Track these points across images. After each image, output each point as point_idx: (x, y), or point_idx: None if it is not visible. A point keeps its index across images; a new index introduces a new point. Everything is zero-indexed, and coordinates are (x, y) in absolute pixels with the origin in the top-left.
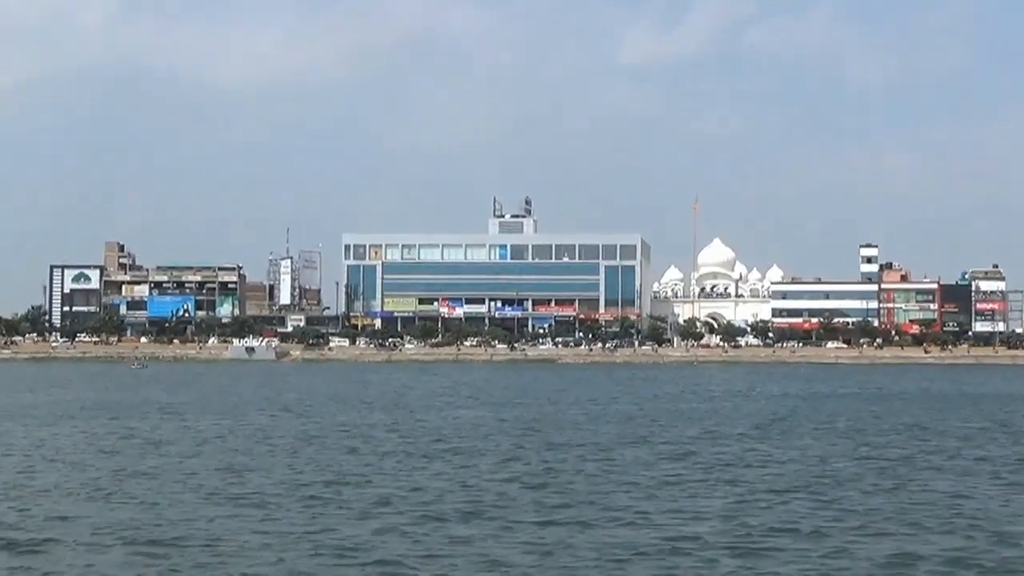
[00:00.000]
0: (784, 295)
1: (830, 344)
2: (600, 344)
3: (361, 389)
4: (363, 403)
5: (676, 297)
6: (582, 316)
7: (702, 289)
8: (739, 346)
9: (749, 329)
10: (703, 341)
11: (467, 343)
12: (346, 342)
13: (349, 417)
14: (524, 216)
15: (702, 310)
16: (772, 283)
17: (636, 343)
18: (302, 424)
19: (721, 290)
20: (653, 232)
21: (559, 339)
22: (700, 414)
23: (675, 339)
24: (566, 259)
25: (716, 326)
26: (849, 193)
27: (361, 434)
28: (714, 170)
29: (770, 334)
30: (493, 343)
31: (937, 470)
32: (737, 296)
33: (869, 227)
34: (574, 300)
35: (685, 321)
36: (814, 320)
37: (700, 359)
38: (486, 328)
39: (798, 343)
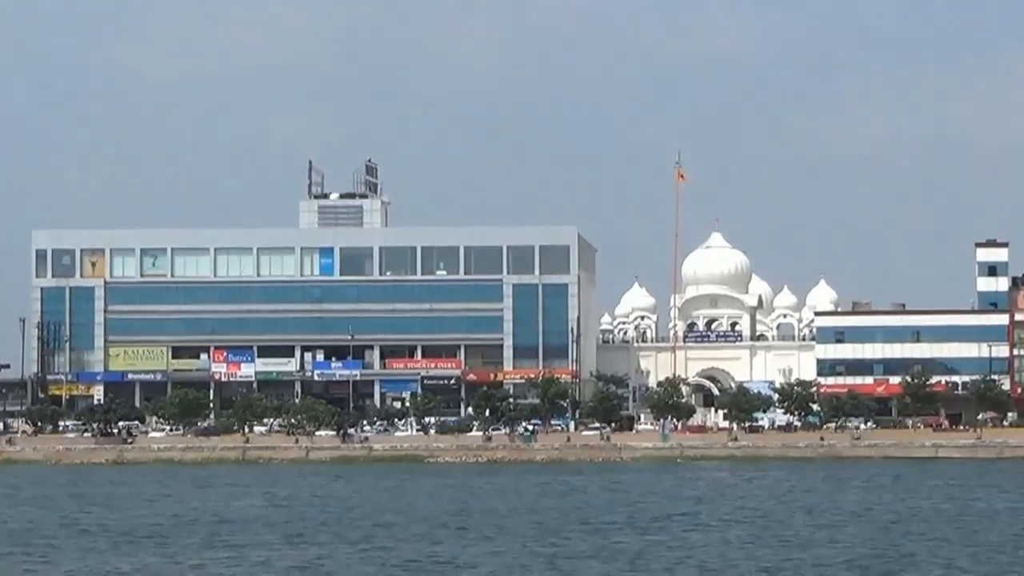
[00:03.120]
0: (839, 336)
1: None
2: (507, 428)
3: (101, 511)
4: (100, 536)
5: (644, 341)
6: (473, 377)
7: (691, 326)
8: (758, 428)
9: (776, 398)
10: (693, 421)
11: (262, 428)
12: (41, 428)
13: (90, 562)
14: (365, 196)
15: (692, 364)
16: (817, 314)
17: (572, 425)
18: None
19: (726, 327)
20: (600, 225)
21: (431, 420)
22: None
23: (642, 416)
24: (442, 273)
25: (717, 392)
26: (952, 154)
27: None
28: (713, 118)
29: (815, 406)
30: (311, 428)
31: None
32: (755, 338)
33: (990, 215)
34: (457, 348)
35: (661, 384)
36: (894, 381)
37: (688, 452)
38: (297, 400)
39: (866, 422)
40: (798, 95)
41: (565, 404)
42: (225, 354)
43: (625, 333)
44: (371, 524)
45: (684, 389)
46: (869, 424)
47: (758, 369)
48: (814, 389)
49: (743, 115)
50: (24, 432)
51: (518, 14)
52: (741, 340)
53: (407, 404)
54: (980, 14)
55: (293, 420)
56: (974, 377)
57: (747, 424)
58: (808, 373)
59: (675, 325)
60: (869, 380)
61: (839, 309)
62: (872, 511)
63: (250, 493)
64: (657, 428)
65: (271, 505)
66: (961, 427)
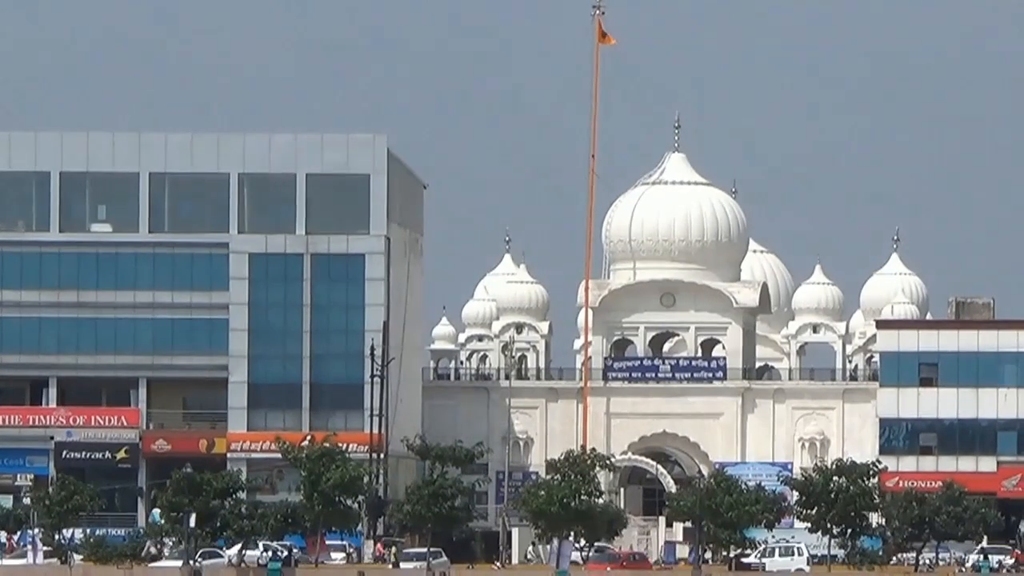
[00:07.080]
0: (926, 371)
1: None
2: (233, 553)
3: None
4: None
5: (523, 376)
6: (165, 446)
7: (620, 346)
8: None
9: (794, 499)
10: (621, 544)
11: None
12: None
13: None
14: None
15: (621, 425)
16: (879, 325)
17: (370, 549)
18: None
19: (693, 351)
20: (433, 135)
21: (74, 534)
22: None
23: (515, 532)
24: (103, 228)
25: (672, 486)
26: None
27: None
28: None
29: (873, 517)
30: None
31: None
32: (753, 374)
33: None
34: (133, 385)
35: (555, 466)
36: None
37: None
38: None
39: (980, 550)
40: None
41: (356, 506)
42: None
43: (483, 359)
44: None
45: (604, 477)
46: (981, 553)
47: (757, 437)
48: (873, 481)
49: None
50: None
51: None
52: (723, 377)
53: (27, 500)
54: None
55: None
56: None
57: (734, 553)
58: (861, 447)
59: (587, 344)
60: (989, 464)
61: (928, 317)
62: None
63: None
64: (546, 557)
65: None
66: None
